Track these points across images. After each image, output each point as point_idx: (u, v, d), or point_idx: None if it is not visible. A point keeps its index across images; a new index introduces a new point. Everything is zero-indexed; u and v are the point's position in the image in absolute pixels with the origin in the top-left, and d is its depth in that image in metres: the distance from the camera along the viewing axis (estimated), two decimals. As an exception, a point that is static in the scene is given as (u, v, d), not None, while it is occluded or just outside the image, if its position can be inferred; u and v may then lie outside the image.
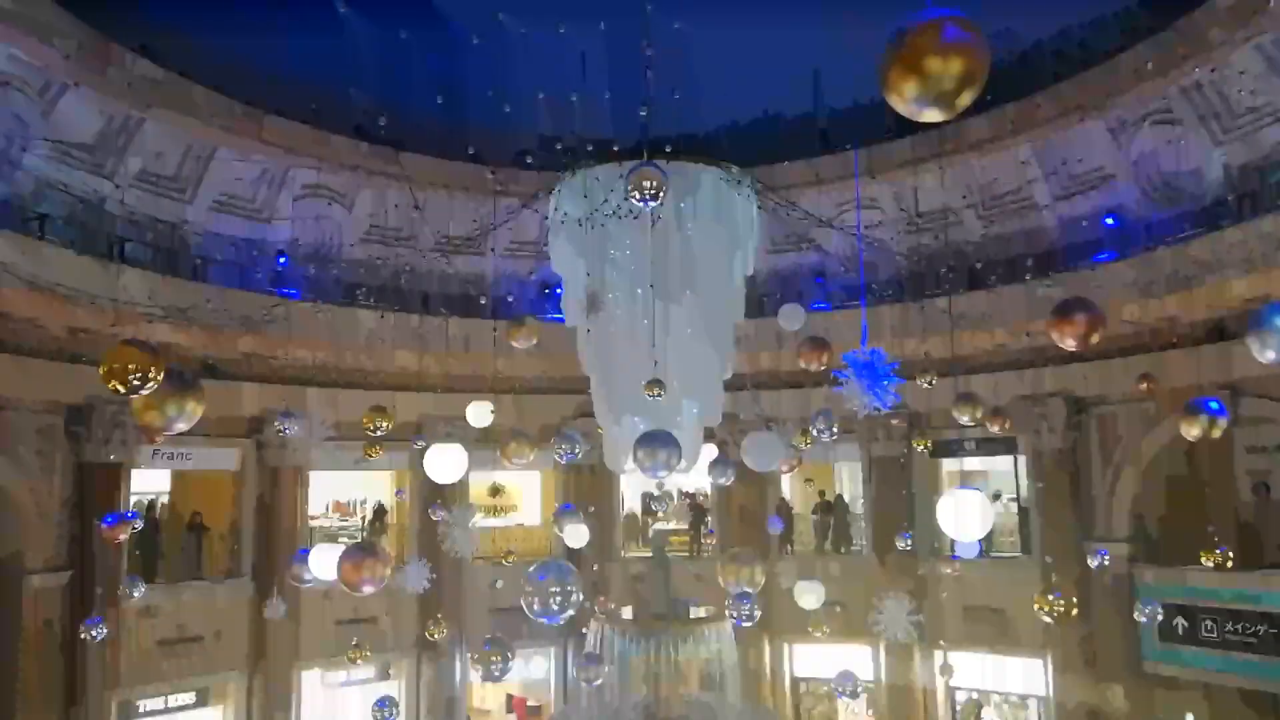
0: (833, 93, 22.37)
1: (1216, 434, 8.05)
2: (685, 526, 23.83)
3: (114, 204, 16.77)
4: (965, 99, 3.52)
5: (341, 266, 19.94)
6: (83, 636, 12.54)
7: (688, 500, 24.95)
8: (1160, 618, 16.39)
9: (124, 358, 5.04)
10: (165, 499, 20.46)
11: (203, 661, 18.06)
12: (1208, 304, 16.53)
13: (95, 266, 15.91)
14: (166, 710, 17.88)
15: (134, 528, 13.35)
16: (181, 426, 5.70)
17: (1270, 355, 5.32)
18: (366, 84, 18.29)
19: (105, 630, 12.87)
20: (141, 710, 17.49)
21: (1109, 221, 18.25)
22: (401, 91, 18.78)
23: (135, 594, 14.35)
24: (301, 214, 19.33)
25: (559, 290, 17.64)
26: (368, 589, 7.12)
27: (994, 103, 17.65)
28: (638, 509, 24.59)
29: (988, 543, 19.68)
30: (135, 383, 5.03)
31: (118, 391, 5.07)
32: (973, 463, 22.93)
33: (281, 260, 19.33)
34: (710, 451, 15.73)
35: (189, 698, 18.18)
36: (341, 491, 24.92)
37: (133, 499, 18.30)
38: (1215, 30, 15.33)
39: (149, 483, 20.12)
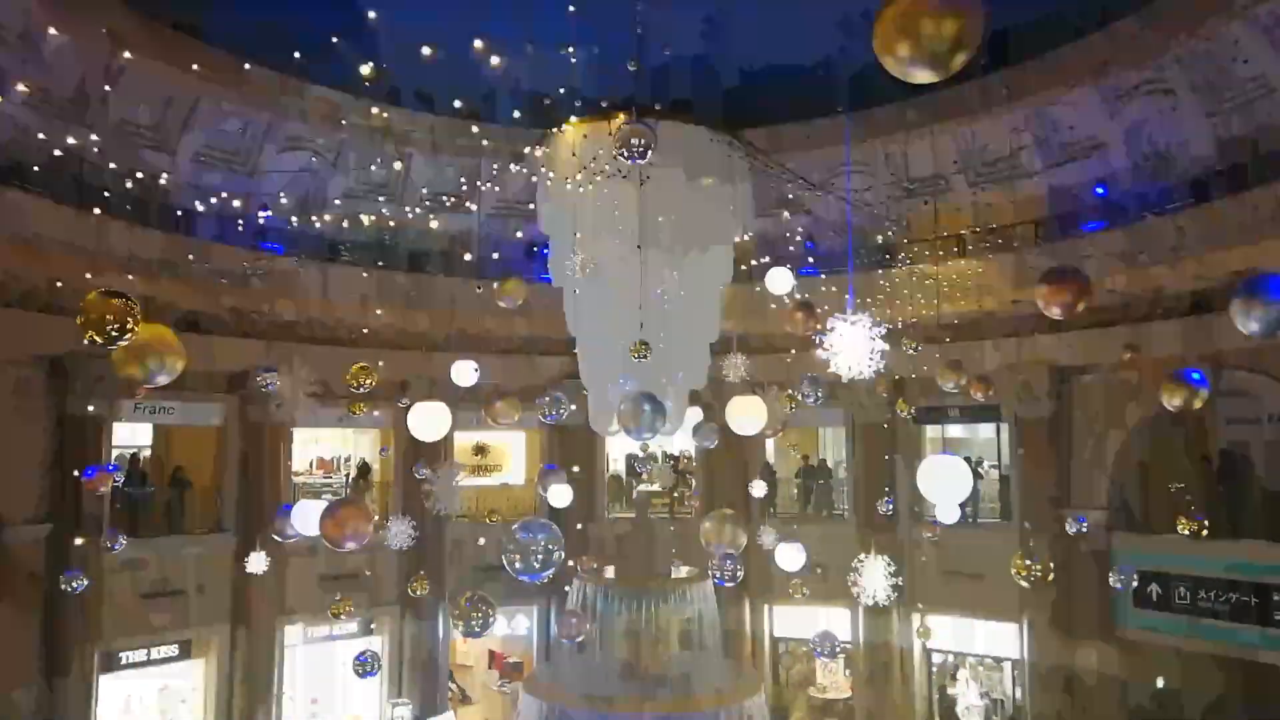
0: (826, 54, 22.13)
1: (1198, 405, 8.10)
2: (669, 488, 23.96)
3: (94, 154, 16.47)
4: (958, 61, 3.48)
5: (325, 222, 19.71)
6: (63, 588, 12.55)
7: (671, 463, 25.03)
8: (1135, 584, 16.63)
9: (101, 308, 4.98)
10: (147, 453, 20.40)
11: (185, 615, 18.12)
12: (1195, 275, 16.57)
13: (75, 218, 15.68)
14: (149, 662, 17.97)
15: (115, 481, 13.32)
16: (162, 380, 5.65)
17: (1253, 327, 5.32)
18: (350, 35, 17.92)
19: (86, 582, 12.88)
20: (124, 662, 17.56)
21: (1099, 191, 18.22)
22: (386, 43, 18.44)
23: (116, 547, 14.34)
24: (285, 167, 19.05)
25: (546, 250, 17.51)
26: (350, 545, 7.13)
27: (987, 68, 17.50)
28: (622, 470, 24.68)
29: (969, 509, 19.84)
30: (113, 333, 4.97)
31: (95, 342, 5.00)
32: (955, 430, 23.09)
33: (264, 214, 19.09)
34: (695, 414, 15.73)
35: (172, 650, 18.26)
36: (326, 448, 24.93)
37: (114, 452, 18.22)
38: (1210, 3, 15.23)
39: (131, 437, 20.06)
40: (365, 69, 13.49)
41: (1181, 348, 15.95)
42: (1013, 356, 19.07)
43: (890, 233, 20.08)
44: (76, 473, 14.00)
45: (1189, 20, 15.52)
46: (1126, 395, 17.98)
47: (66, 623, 15.95)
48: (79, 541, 14.79)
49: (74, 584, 12.53)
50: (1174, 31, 15.73)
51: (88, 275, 13.18)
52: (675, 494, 23.27)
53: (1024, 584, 9.85)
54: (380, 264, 19.95)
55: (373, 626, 21.00)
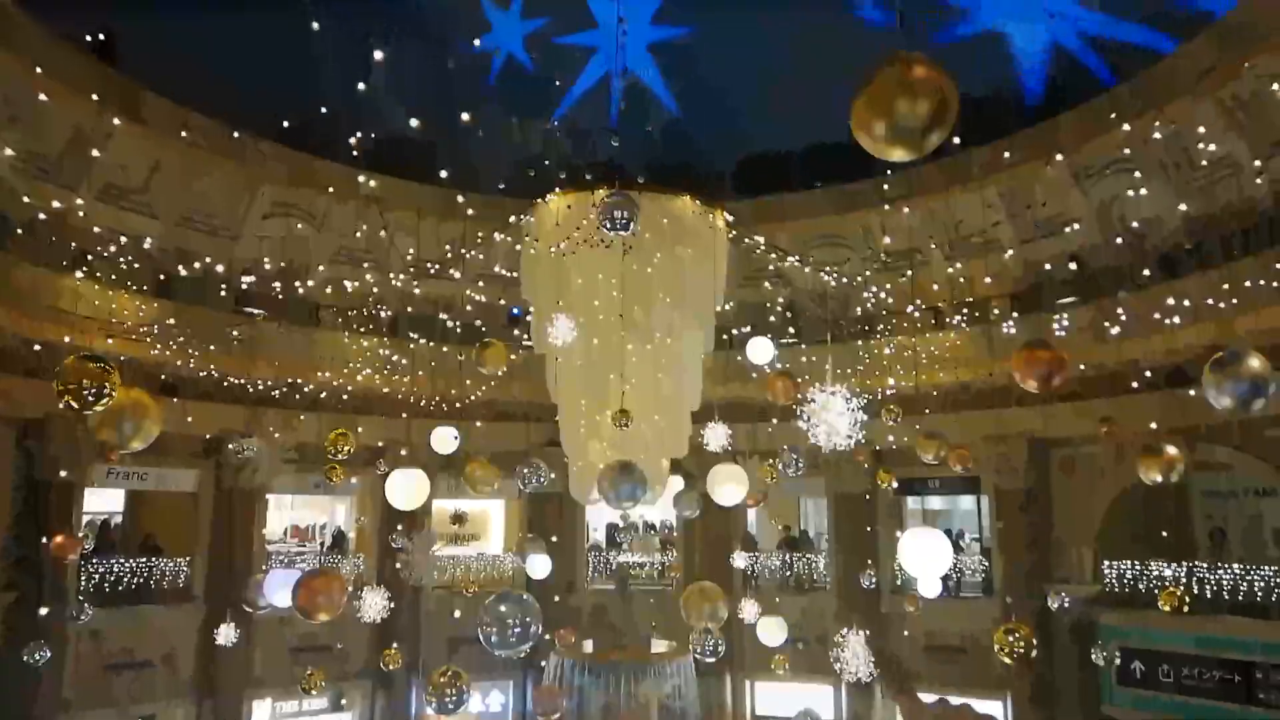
0: (804, 130, 22.64)
1: (1175, 478, 8.16)
2: (650, 559, 23.72)
3: (76, 217, 16.48)
4: (934, 139, 3.58)
5: (309, 286, 19.73)
6: (25, 659, 12.20)
7: (652, 532, 24.84)
8: (1118, 661, 16.46)
9: (79, 373, 4.95)
10: (119, 519, 20.01)
11: (151, 687, 17.58)
12: (1166, 349, 16.81)
13: (55, 280, 15.63)
14: (113, 735, 17.36)
15: (84, 548, 13.07)
16: (138, 445, 5.59)
17: (1226, 402, 5.40)
18: (338, 103, 18.21)
19: (49, 654, 12.52)
20: (85, 736, 16.96)
21: (1072, 265, 18.56)
22: (374, 112, 18.77)
23: (83, 617, 14.00)
24: (269, 232, 19.13)
25: (528, 317, 17.61)
26: (323, 616, 7.00)
27: (962, 145, 17.94)
28: (602, 540, 24.42)
29: (951, 582, 19.70)
30: (90, 398, 4.93)
31: (72, 407, 4.97)
32: (936, 501, 23.06)
33: (247, 278, 19.09)
34: (676, 484, 15.68)
35: (135, 724, 17.67)
36: (301, 515, 24.56)
37: (85, 519, 17.86)
38: (1176, 85, 15.75)
39: (103, 503, 19.69)
40: (353, 139, 13.71)
41: (1157, 421, 16.08)
42: (991, 428, 19.17)
43: (869, 304, 20.31)
44: (45, 539, 13.72)
45: (1155, 102, 16.02)
46: (1105, 468, 18.06)
47: (30, 695, 15.40)
48: (44, 611, 14.39)
49: (37, 655, 12.18)
50: (1140, 113, 16.21)
51: (66, 339, 13.10)
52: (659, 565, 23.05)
53: (1006, 660, 9.72)
54: (362, 329, 19.93)
55: (343, 701, 20.43)
